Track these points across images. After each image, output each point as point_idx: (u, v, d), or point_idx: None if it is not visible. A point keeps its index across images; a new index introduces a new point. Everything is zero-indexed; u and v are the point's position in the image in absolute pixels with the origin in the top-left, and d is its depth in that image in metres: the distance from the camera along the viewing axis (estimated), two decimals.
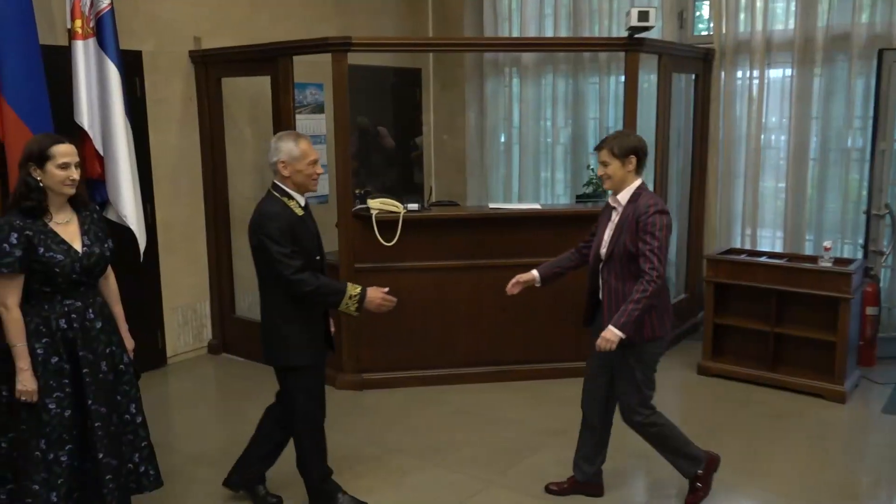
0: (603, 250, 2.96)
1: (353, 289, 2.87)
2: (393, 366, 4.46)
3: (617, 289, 2.91)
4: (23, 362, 2.46)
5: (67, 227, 2.55)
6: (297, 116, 4.61)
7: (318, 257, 2.95)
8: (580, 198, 5.14)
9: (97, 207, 2.79)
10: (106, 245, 2.64)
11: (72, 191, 2.54)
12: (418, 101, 6.37)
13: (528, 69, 5.93)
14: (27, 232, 2.45)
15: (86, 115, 3.81)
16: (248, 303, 5.23)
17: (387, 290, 2.96)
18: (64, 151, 2.50)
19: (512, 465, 3.52)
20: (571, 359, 4.37)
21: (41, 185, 2.49)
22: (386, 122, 6.09)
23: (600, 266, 2.98)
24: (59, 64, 3.78)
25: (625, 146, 2.89)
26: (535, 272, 3.18)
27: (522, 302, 4.33)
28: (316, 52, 4.33)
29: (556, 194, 6.00)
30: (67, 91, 3.78)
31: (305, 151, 2.84)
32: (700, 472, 3.12)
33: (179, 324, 4.99)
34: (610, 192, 3.00)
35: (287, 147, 2.83)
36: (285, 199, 2.85)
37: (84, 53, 3.80)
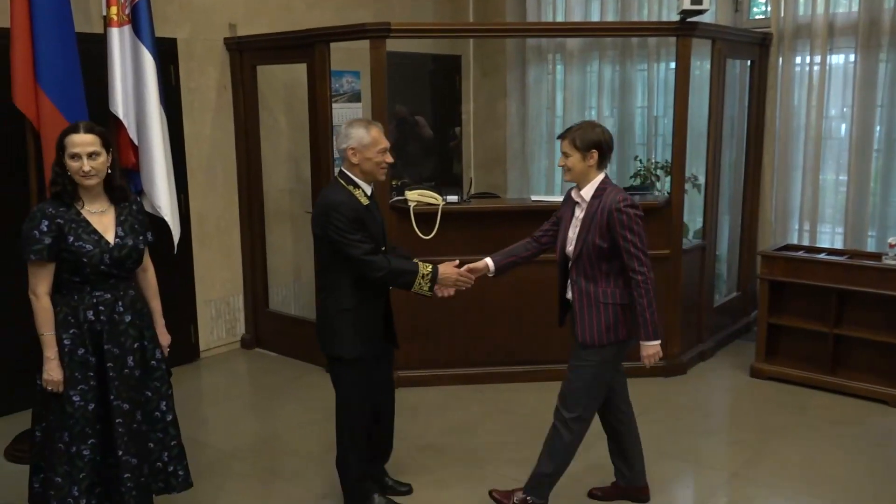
0: (570, 248, 2.83)
1: (425, 268, 2.79)
2: (431, 363, 4.36)
3: (588, 291, 2.77)
4: (49, 351, 2.44)
5: (102, 218, 2.50)
6: (334, 105, 4.50)
7: (383, 248, 2.86)
8: (627, 190, 4.92)
9: (138, 199, 2.72)
10: (141, 238, 2.57)
11: (87, 182, 2.44)
12: (458, 89, 6.23)
13: (572, 56, 5.74)
14: (59, 220, 2.41)
15: (120, 104, 3.75)
16: (282, 297, 5.17)
17: (457, 262, 2.85)
18: (76, 142, 2.42)
19: None
20: None
21: (68, 172, 2.44)
22: (424, 111, 5.96)
23: (569, 265, 2.85)
24: (94, 52, 3.72)
25: (587, 139, 2.77)
26: (488, 260, 3.03)
27: None
28: (353, 39, 4.23)
29: None
30: (103, 79, 3.73)
31: (376, 139, 2.77)
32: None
33: (212, 318, 4.93)
34: (574, 184, 2.89)
35: (358, 134, 2.75)
36: (350, 188, 2.78)
37: (119, 41, 3.74)
